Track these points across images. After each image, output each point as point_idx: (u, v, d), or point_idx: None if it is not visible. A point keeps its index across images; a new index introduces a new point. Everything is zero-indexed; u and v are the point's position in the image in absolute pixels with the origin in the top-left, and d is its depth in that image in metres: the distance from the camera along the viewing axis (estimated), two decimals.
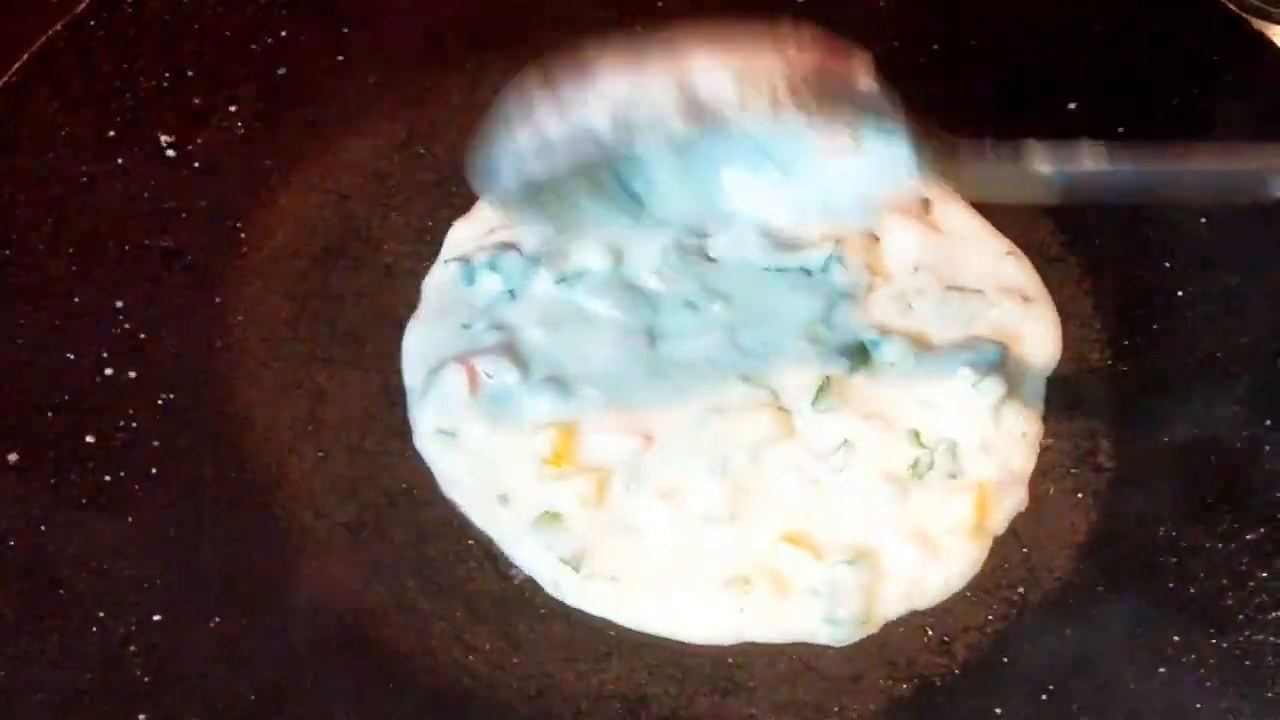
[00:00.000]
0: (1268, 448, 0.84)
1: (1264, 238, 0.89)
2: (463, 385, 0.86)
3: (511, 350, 0.88)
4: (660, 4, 1.06)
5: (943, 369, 0.87)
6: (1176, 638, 0.78)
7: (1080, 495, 0.86)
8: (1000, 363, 0.88)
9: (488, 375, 0.86)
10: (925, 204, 0.95)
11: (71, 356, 0.86)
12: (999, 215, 0.96)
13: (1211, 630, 0.78)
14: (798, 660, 0.80)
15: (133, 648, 0.76)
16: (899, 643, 0.81)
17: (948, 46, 1.02)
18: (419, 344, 0.90)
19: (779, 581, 0.81)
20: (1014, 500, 0.85)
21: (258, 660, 0.77)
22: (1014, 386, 0.88)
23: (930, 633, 0.81)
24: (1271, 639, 0.78)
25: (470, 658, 0.79)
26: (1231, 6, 1.01)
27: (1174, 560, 0.81)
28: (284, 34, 1.01)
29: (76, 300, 0.88)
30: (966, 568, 0.83)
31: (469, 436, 0.85)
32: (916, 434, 0.85)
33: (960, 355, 0.88)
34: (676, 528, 0.82)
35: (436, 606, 0.81)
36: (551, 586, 0.81)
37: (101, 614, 0.77)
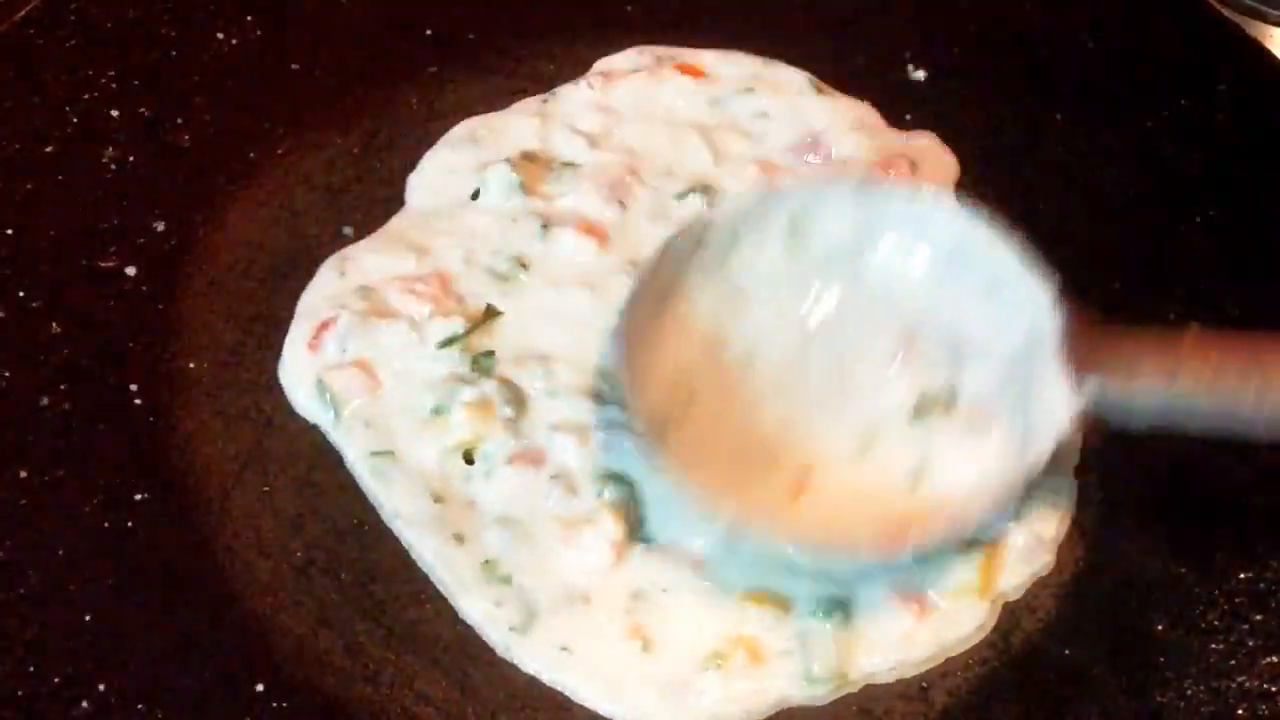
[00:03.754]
0: (1263, 479, 0.81)
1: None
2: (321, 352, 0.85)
3: None
4: (629, 9, 1.03)
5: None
6: (1168, 685, 0.75)
7: (1066, 529, 0.82)
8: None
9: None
10: None
11: (2, 385, 0.82)
12: None
13: (1204, 677, 0.75)
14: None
15: (65, 697, 0.72)
16: (874, 690, 0.77)
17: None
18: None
19: (753, 651, 0.76)
20: (1038, 565, 0.80)
21: (197, 710, 0.73)
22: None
23: (907, 678, 0.77)
24: (1268, 686, 0.74)
25: (422, 707, 0.75)
26: (1223, 10, 0.99)
27: (1165, 601, 0.78)
28: (234, 42, 0.98)
29: (10, 324, 0.84)
30: (965, 631, 0.77)
31: (406, 455, 0.81)
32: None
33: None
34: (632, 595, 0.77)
35: (387, 652, 0.77)
36: (503, 650, 0.77)
37: (32, 667, 0.73)
